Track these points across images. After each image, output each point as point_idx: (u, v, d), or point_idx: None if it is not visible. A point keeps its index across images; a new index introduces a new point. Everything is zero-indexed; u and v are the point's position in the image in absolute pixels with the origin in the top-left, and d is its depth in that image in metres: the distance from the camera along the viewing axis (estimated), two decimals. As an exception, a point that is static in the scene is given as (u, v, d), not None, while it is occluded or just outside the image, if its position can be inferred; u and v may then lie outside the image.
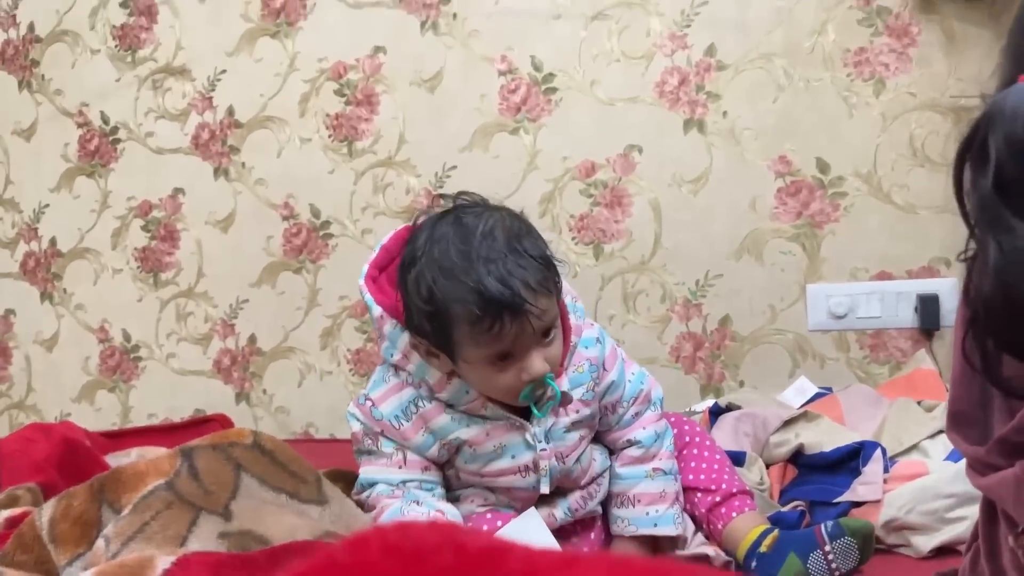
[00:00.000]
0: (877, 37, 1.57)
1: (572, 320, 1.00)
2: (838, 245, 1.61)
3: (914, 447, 1.00)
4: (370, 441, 1.00)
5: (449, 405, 0.98)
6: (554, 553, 0.31)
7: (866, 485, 0.96)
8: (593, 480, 1.04)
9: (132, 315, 1.97)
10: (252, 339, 1.90)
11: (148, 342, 1.97)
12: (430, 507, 0.97)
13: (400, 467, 0.99)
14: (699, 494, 1.03)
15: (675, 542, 1.01)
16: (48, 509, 0.79)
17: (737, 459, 1.04)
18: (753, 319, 1.66)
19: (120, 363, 1.99)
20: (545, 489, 0.99)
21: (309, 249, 1.84)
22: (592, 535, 1.05)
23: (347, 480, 1.05)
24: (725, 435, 1.08)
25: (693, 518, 1.03)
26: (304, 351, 1.87)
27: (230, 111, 1.87)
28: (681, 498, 1.03)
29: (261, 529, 0.76)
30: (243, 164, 1.87)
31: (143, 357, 1.97)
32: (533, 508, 0.99)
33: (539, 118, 1.72)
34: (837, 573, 0.93)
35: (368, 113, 1.79)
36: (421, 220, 0.96)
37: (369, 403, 1.00)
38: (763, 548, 0.97)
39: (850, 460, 1.01)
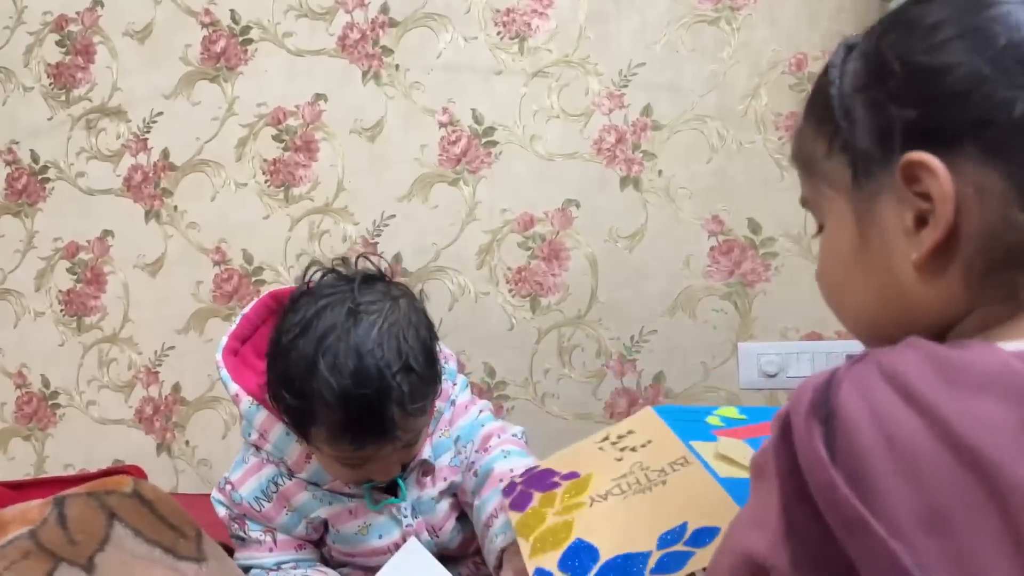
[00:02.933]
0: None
1: (442, 385, 0.96)
2: (769, 304, 1.63)
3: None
4: (237, 526, 0.96)
5: (312, 483, 0.94)
6: None
7: None
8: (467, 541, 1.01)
9: (53, 360, 1.89)
10: (176, 387, 1.84)
11: (68, 389, 1.89)
12: (310, 567, 0.93)
13: (271, 550, 0.95)
14: None
15: None
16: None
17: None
18: (686, 376, 1.66)
19: (37, 410, 1.91)
20: (406, 522, 0.96)
21: (240, 295, 1.80)
22: None
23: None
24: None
25: None
26: (229, 402, 1.80)
27: (165, 153, 1.84)
28: None
29: (124, 584, 0.71)
30: (175, 207, 1.83)
31: (62, 404, 1.89)
32: (414, 538, 0.94)
33: (479, 170, 1.73)
34: None
35: (307, 159, 1.78)
36: (310, 288, 0.90)
37: (229, 486, 0.96)
38: None
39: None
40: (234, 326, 0.99)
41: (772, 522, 0.44)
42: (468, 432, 1.01)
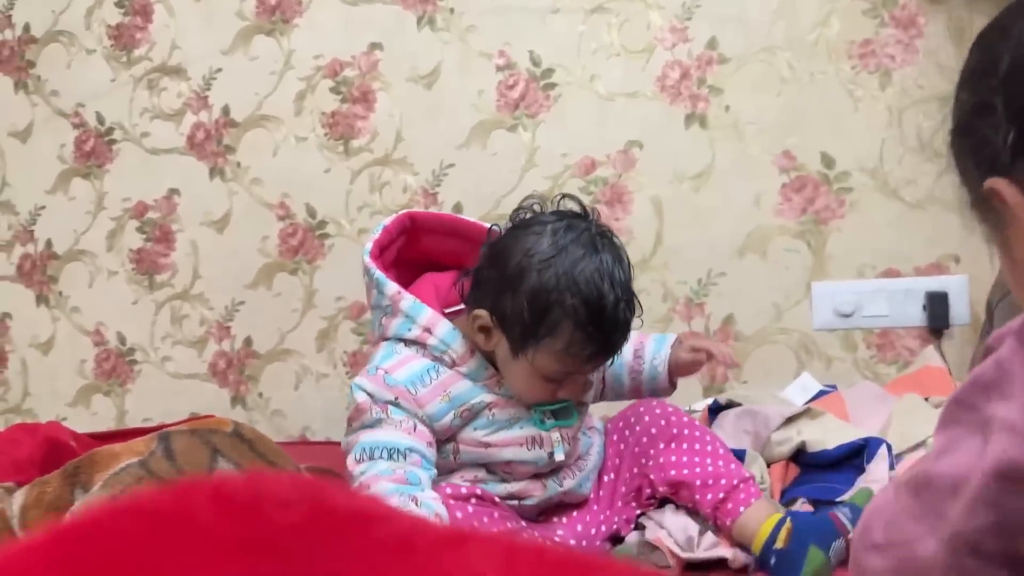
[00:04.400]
0: (883, 28, 1.53)
1: None
2: (844, 242, 1.57)
3: (922, 443, 0.96)
4: (379, 410, 0.98)
5: (470, 378, 1.00)
6: (443, 528, 0.27)
7: (872, 483, 0.91)
8: (579, 458, 1.05)
9: (127, 318, 1.95)
10: (248, 342, 1.87)
11: (143, 345, 1.94)
12: (428, 508, 0.93)
13: (409, 433, 0.97)
14: (699, 489, 0.97)
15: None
16: (20, 497, 0.77)
17: (737, 456, 1.00)
18: (757, 318, 1.62)
19: (116, 367, 1.97)
20: (561, 456, 1.01)
21: (305, 250, 1.81)
22: (578, 521, 1.04)
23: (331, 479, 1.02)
24: (725, 433, 1.04)
25: (697, 514, 0.99)
26: (300, 354, 1.84)
27: (225, 110, 1.85)
28: None
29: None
30: (238, 164, 1.85)
31: (138, 360, 1.95)
32: None
33: (537, 114, 1.69)
34: None
35: (364, 111, 1.77)
36: (538, 217, 0.99)
37: (382, 372, 0.99)
38: (779, 543, 0.90)
39: (854, 458, 0.97)
40: (376, 233, 1.05)
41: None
42: None
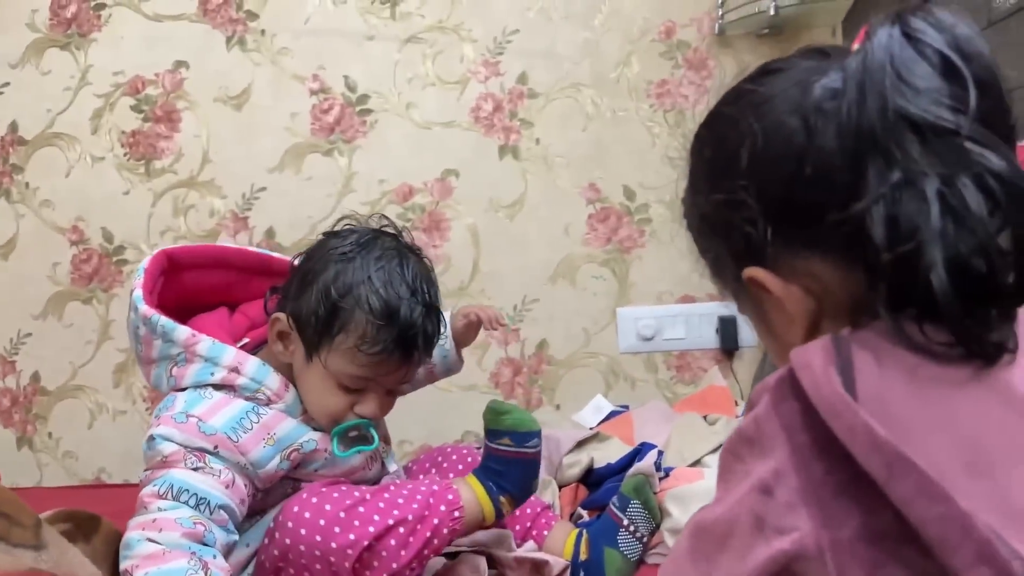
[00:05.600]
0: (677, 70, 1.64)
1: None
2: (645, 270, 1.65)
3: (697, 462, 1.02)
4: (195, 458, 0.88)
5: (289, 414, 0.94)
6: None
7: (638, 474, 0.98)
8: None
9: None
10: (35, 377, 1.72)
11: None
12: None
13: (227, 487, 0.87)
14: (508, 522, 1.02)
15: None
16: None
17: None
18: (568, 343, 1.67)
19: None
20: (393, 467, 1.01)
21: (100, 277, 1.69)
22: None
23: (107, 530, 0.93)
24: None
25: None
26: (95, 389, 1.70)
27: (13, 127, 1.71)
28: None
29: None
30: (27, 184, 1.71)
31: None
32: None
33: (354, 139, 1.68)
34: (645, 539, 0.95)
35: (168, 131, 1.68)
36: (347, 225, 0.98)
37: (195, 419, 0.88)
38: (582, 556, 0.98)
39: (632, 464, 1.02)
40: (140, 279, 0.96)
41: (784, 484, 0.42)
42: None
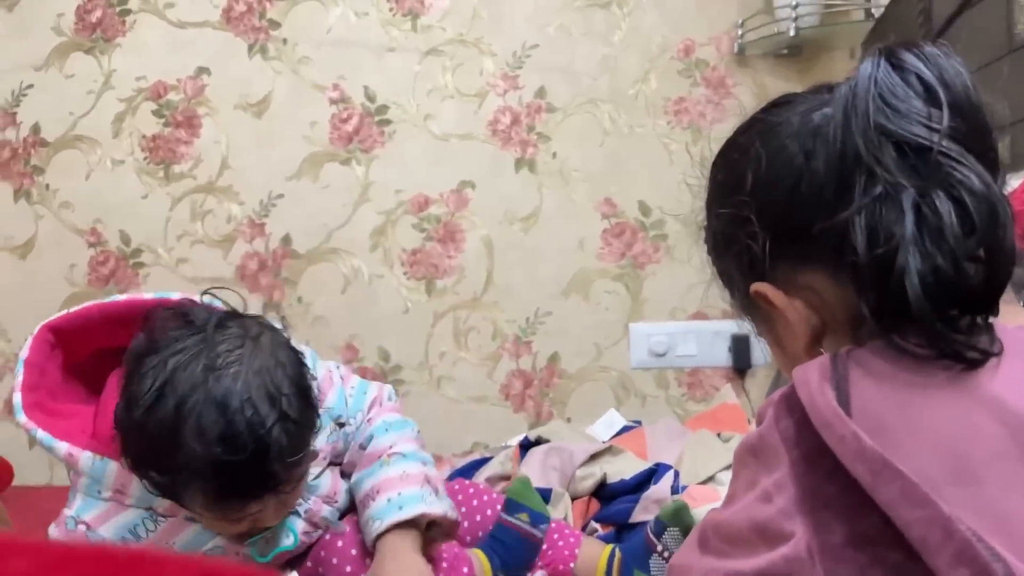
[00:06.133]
0: (695, 88, 1.65)
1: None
2: (658, 286, 1.66)
3: (711, 478, 1.02)
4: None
5: (192, 520, 0.84)
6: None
7: (657, 502, 0.96)
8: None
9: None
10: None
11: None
12: None
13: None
14: None
15: (450, 529, 0.90)
16: None
17: (544, 496, 1.03)
18: (580, 357, 1.67)
19: None
20: (340, 527, 0.91)
21: (117, 279, 1.71)
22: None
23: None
24: (533, 469, 1.07)
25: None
26: (108, 389, 1.71)
27: (35, 129, 1.73)
28: (437, 483, 0.90)
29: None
30: (47, 186, 1.72)
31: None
32: None
33: (372, 149, 1.69)
34: None
35: (188, 136, 1.70)
36: (154, 342, 0.76)
37: (83, 527, 0.81)
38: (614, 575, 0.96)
39: (647, 483, 1.02)
40: (20, 376, 0.82)
41: (783, 493, 0.45)
42: (355, 404, 0.96)
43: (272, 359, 0.76)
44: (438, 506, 0.86)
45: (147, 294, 0.85)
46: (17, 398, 0.81)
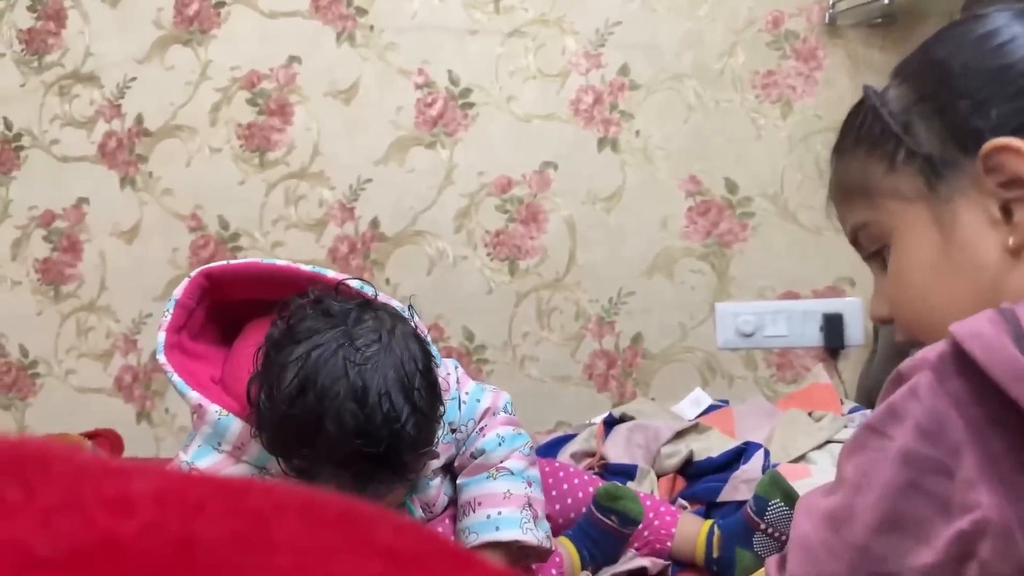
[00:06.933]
0: (785, 60, 1.61)
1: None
2: (746, 264, 1.62)
3: (802, 457, 1.00)
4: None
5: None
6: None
7: (747, 482, 0.95)
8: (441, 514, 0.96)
9: (31, 329, 1.88)
10: (154, 356, 1.82)
11: (47, 358, 1.88)
12: None
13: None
14: None
15: (542, 555, 0.91)
16: None
17: (628, 473, 1.03)
18: (664, 337, 1.66)
19: (17, 380, 1.90)
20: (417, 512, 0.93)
21: (217, 261, 1.78)
22: None
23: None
24: (618, 446, 1.07)
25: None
26: (210, 367, 1.80)
27: (139, 119, 1.82)
28: (539, 506, 0.92)
29: None
30: (150, 174, 1.81)
31: (41, 374, 1.88)
32: None
33: (455, 132, 1.71)
34: (784, 537, 0.91)
35: (281, 124, 1.76)
36: (292, 328, 0.80)
37: (196, 474, 0.81)
38: (715, 552, 0.95)
39: (735, 462, 1.01)
40: (168, 317, 0.87)
41: (962, 461, 0.41)
42: (467, 411, 0.97)
43: (406, 352, 0.80)
44: (533, 536, 0.88)
45: (305, 266, 0.89)
46: (161, 337, 0.86)
